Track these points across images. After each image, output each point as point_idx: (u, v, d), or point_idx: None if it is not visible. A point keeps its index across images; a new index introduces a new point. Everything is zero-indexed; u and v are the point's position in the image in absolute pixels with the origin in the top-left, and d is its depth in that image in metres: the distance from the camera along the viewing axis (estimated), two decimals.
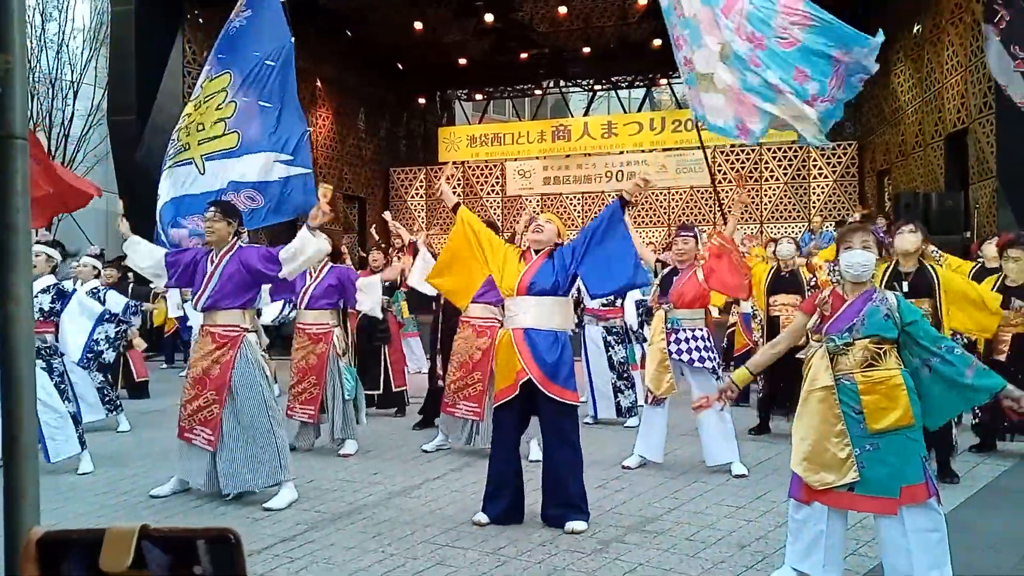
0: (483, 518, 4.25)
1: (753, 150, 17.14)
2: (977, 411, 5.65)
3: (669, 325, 5.35)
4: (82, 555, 0.69)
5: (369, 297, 6.18)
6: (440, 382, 6.56)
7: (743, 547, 3.87)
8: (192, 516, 4.55)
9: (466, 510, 4.47)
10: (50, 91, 15.69)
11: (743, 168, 17.09)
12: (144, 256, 4.87)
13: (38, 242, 5.93)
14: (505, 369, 4.27)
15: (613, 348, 7.00)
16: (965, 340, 5.62)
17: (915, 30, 13.61)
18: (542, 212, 4.70)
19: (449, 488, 5.02)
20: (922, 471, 3.09)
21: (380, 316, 6.61)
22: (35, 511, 1.02)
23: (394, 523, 4.31)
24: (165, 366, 11.75)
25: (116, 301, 6.70)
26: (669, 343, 5.31)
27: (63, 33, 16.04)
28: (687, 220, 16.97)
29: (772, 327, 6.43)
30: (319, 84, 17.32)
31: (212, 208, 4.74)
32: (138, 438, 6.75)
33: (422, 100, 20.96)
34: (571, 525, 4.09)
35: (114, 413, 6.95)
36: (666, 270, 5.59)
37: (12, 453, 1.02)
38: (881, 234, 3.40)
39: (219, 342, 4.63)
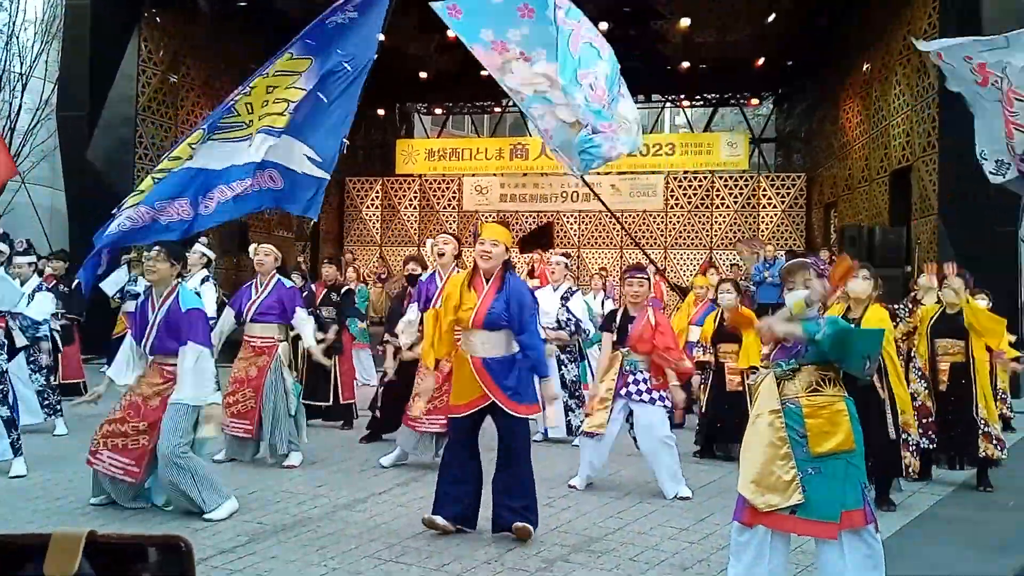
0: (437, 518, 4.25)
1: (706, 177, 17.47)
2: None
3: (627, 367, 5.41)
4: (24, 560, 0.68)
5: (306, 329, 6.05)
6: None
7: (685, 569, 3.91)
8: (130, 524, 4.43)
9: (411, 525, 4.44)
10: None
11: (695, 194, 17.37)
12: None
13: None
14: (465, 389, 4.30)
15: (566, 367, 7.04)
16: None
17: (864, 68, 14.06)
18: (485, 224, 4.66)
19: (395, 503, 4.98)
20: (861, 497, 3.18)
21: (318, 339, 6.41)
22: None
23: (338, 536, 4.26)
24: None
25: (38, 310, 6.42)
26: (627, 385, 5.38)
27: (13, 24, 15.62)
28: (639, 240, 17.19)
29: (719, 375, 6.56)
30: None
31: (155, 248, 4.64)
32: (76, 442, 6.53)
33: (381, 111, 20.86)
34: (518, 524, 4.14)
35: (53, 417, 6.74)
36: (618, 312, 5.63)
37: None
38: (823, 267, 3.49)
39: (166, 377, 4.58)
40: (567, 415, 7.00)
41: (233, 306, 5.98)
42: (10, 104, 15.30)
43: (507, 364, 4.26)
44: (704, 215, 17.31)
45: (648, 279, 5.62)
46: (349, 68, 5.13)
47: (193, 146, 5.22)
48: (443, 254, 5.83)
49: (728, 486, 5.24)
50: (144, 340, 4.61)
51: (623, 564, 3.95)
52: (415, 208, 18.71)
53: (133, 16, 13.25)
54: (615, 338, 5.51)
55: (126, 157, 13.22)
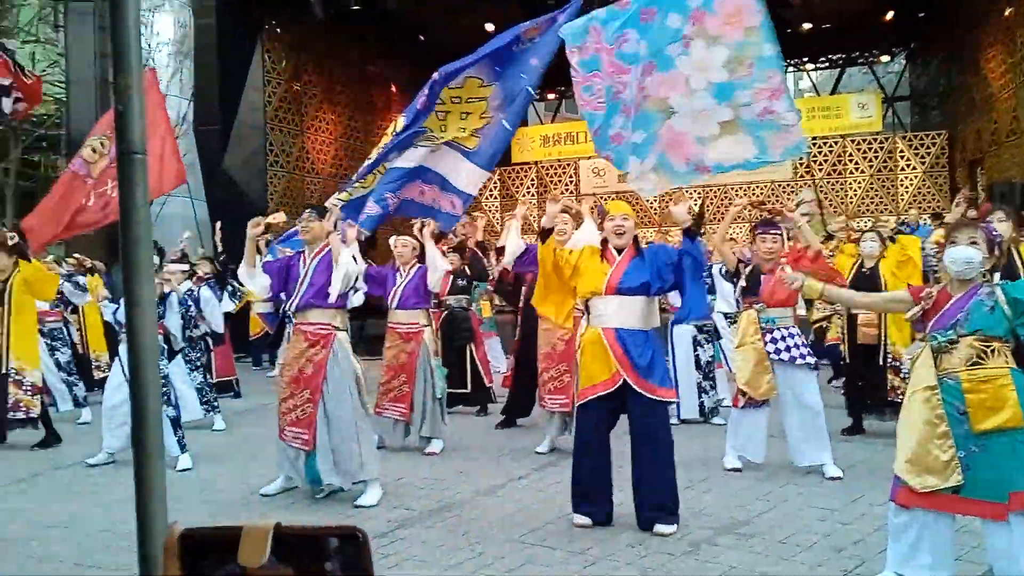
0: (583, 520, 4.16)
1: (836, 142, 16.63)
2: None
3: (763, 325, 5.19)
4: (220, 551, 0.72)
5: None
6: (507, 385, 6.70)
7: (840, 551, 3.75)
8: (285, 514, 4.68)
9: (552, 510, 4.47)
10: None
11: (826, 161, 16.60)
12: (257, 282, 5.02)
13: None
14: (594, 367, 4.17)
15: (702, 347, 6.90)
16: None
17: (1007, 12, 12.96)
18: (611, 202, 4.57)
19: (534, 488, 5.03)
20: None
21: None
22: (163, 508, 1.07)
23: (481, 522, 4.34)
24: (255, 368, 12.11)
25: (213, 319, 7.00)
26: (766, 343, 5.15)
27: (149, 46, 16.71)
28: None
29: (851, 325, 6.29)
30: (393, 90, 17.61)
31: (308, 210, 4.91)
32: (233, 437, 6.96)
33: None
34: (659, 528, 4.03)
35: (211, 413, 7.20)
36: (748, 268, 5.43)
37: (141, 453, 1.07)
38: (995, 232, 3.26)
39: (311, 340, 4.77)
40: (700, 396, 6.86)
41: (371, 280, 6.12)
42: None
43: (639, 339, 4.13)
44: (836, 182, 16.51)
45: (781, 235, 5.34)
46: (530, 91, 5.13)
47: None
48: (401, 255, 6.16)
49: (879, 464, 4.99)
50: (294, 298, 4.84)
51: (772, 547, 3.83)
52: (533, 196, 18.78)
53: (255, 29, 13.90)
54: (744, 295, 5.33)
55: (259, 164, 13.94)
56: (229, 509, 4.76)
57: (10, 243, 6.62)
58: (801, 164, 16.66)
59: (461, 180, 5.09)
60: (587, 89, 4.17)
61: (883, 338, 6.14)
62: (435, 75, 4.96)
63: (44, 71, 19.60)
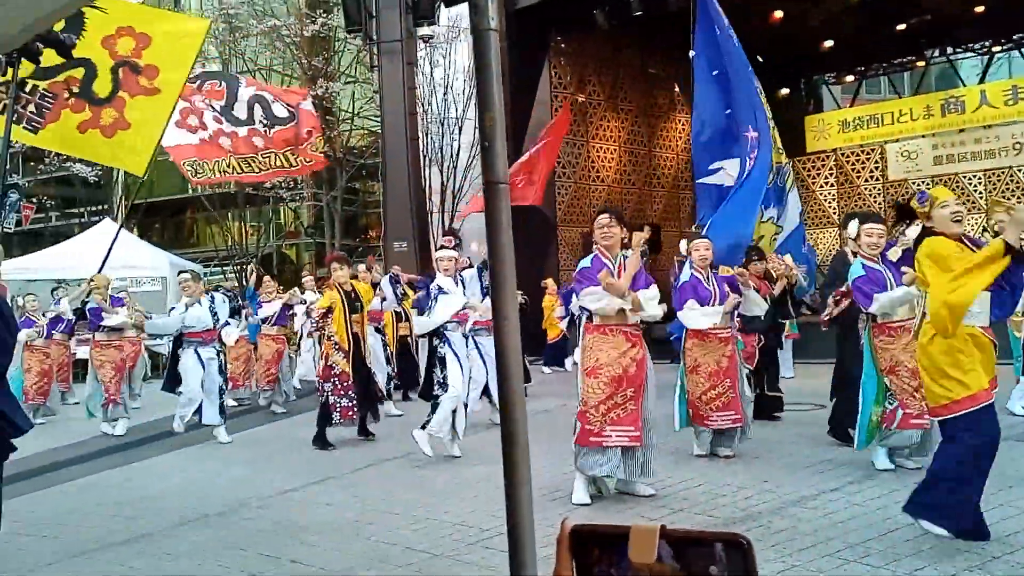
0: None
1: None
2: None
3: None
4: (610, 547, 0.79)
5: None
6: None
7: None
8: (589, 513, 4.83)
9: (871, 525, 4.15)
10: (440, 128, 17.92)
11: None
12: None
13: (444, 246, 6.90)
14: (986, 366, 3.78)
15: None
16: None
17: None
18: (936, 188, 4.15)
19: (849, 501, 4.70)
20: None
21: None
22: (529, 505, 1.18)
23: (791, 533, 4.14)
24: (547, 370, 12.70)
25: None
26: None
27: (447, 76, 18.22)
28: None
29: None
30: (676, 89, 17.48)
31: (605, 214, 5.12)
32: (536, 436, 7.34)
33: (785, 91, 20.03)
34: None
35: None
36: None
37: (510, 452, 1.20)
38: None
39: (632, 340, 4.93)
40: None
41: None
42: (450, 146, 17.84)
43: None
44: None
45: None
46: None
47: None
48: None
49: None
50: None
51: None
52: (832, 186, 17.60)
53: (543, 47, 14.56)
54: None
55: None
56: (538, 505, 5.00)
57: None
58: None
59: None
60: None
61: None
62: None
63: (362, 108, 22.27)
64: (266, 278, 10.22)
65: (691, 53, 5.52)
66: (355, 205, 25.15)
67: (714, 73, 5.46)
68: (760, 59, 18.59)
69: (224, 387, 8.23)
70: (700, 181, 5.50)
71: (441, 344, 6.45)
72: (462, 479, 5.74)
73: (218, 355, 8.11)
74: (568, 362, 12.00)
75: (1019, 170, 15.29)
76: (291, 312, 9.77)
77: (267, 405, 9.87)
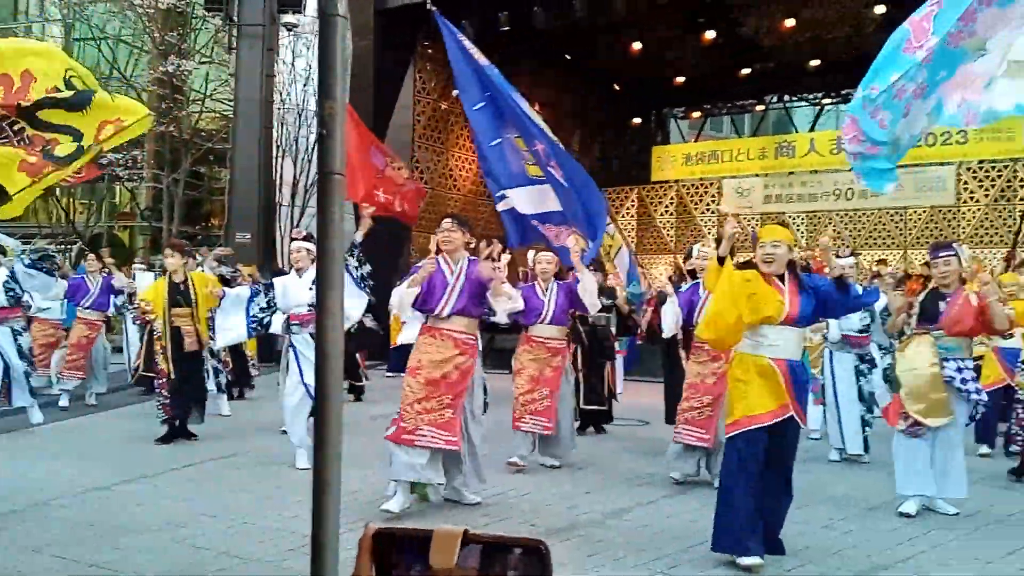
0: (755, 560, 3.86)
1: (1006, 166, 15.49)
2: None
3: (941, 352, 4.86)
4: (411, 551, 0.77)
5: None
6: None
7: None
8: (408, 520, 4.80)
9: (682, 537, 4.38)
10: (297, 120, 17.42)
11: (993, 187, 15.47)
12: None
13: (294, 239, 6.59)
14: (764, 398, 3.98)
15: (865, 377, 6.54)
16: None
17: None
18: (765, 227, 4.42)
19: (663, 513, 4.93)
20: None
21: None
22: (337, 506, 1.15)
23: (608, 543, 4.29)
24: (391, 375, 12.53)
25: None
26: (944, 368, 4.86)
27: (310, 67, 17.75)
28: (926, 242, 15.67)
29: None
30: (536, 108, 17.82)
31: (448, 219, 5.09)
32: (365, 440, 7.17)
33: (637, 120, 20.98)
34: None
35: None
36: (922, 294, 5.11)
37: (322, 452, 1.16)
38: None
39: (461, 349, 4.91)
40: (863, 430, 6.49)
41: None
42: (306, 139, 17.38)
43: (800, 371, 4.07)
44: (1005, 209, 15.35)
45: (957, 256, 4.95)
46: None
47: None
48: (544, 271, 6.29)
49: None
50: (441, 305, 4.90)
51: None
52: (672, 215, 18.54)
53: (409, 51, 14.49)
54: (919, 321, 4.98)
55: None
56: (364, 509, 4.87)
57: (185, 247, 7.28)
58: (965, 190, 15.63)
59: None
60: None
61: None
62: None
63: (215, 90, 21.27)
64: (91, 256, 9.48)
65: (455, 92, 5.89)
66: (199, 190, 23.93)
67: (476, 107, 5.73)
68: (616, 87, 19.41)
69: (30, 370, 7.58)
70: (498, 208, 5.79)
71: (287, 348, 6.19)
72: (288, 483, 5.55)
73: (16, 336, 7.44)
74: None
75: (837, 215, 16.72)
76: (117, 295, 9.13)
77: (82, 396, 9.16)
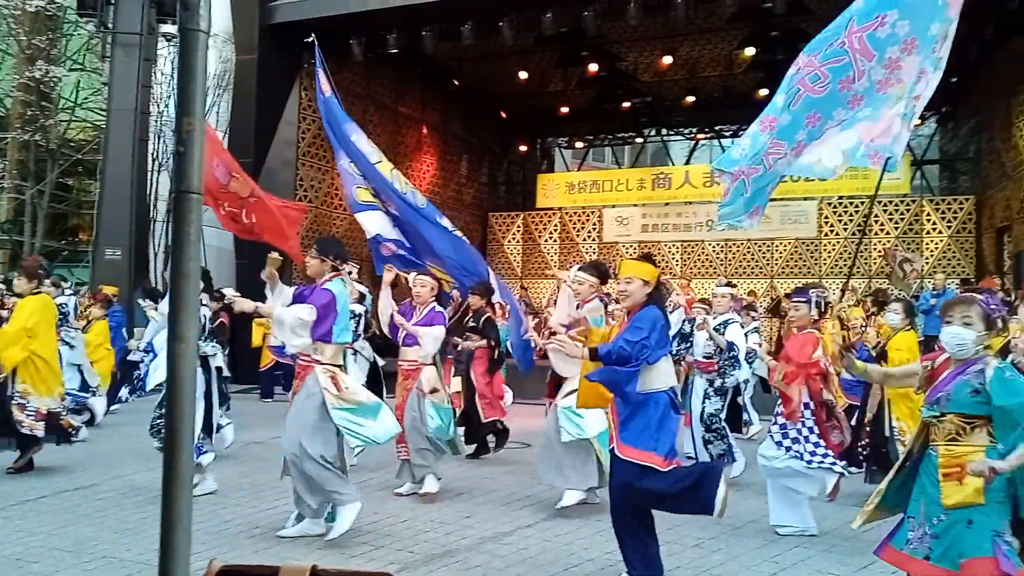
0: None
1: (863, 202, 16.65)
2: None
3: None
4: None
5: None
6: None
7: None
8: (281, 551, 4.66)
9: (558, 560, 4.43)
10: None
11: (851, 221, 16.60)
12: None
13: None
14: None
15: (710, 399, 6.78)
16: None
17: None
18: (623, 261, 4.50)
19: (541, 537, 4.97)
20: (991, 546, 2.88)
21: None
22: (187, 540, 1.10)
23: (486, 568, 4.29)
24: (264, 400, 12.13)
25: None
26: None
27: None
28: (790, 272, 16.61)
29: None
30: (424, 131, 17.88)
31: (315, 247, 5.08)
32: (242, 470, 6.95)
33: (523, 147, 21.34)
34: None
35: None
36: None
37: (170, 482, 1.11)
38: (993, 306, 3.13)
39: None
40: (706, 448, 6.76)
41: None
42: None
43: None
44: (862, 242, 16.47)
45: (807, 302, 5.28)
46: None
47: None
48: (419, 294, 6.16)
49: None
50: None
51: None
52: (555, 241, 18.90)
53: (295, 66, 14.22)
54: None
55: (287, 199, 14.15)
56: (232, 543, 4.74)
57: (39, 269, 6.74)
58: (826, 223, 16.67)
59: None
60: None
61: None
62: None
63: (87, 99, 20.22)
64: None
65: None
66: (66, 203, 22.58)
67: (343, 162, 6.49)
68: (503, 115, 19.70)
69: None
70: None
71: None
72: (149, 515, 5.26)
73: None
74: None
75: (708, 244, 17.49)
76: None
77: None
